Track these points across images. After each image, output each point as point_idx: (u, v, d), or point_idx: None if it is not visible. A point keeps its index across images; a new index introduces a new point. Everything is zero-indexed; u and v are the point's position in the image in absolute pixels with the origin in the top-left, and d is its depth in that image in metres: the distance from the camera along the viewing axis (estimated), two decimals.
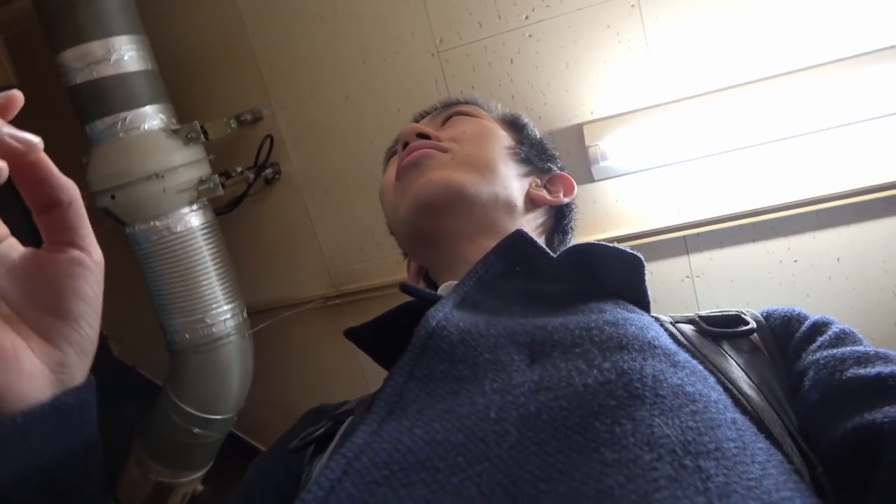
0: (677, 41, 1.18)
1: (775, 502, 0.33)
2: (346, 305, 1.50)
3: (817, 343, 0.51)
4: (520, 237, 0.56)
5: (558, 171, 0.75)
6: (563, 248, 0.74)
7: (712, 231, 1.25)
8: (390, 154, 0.77)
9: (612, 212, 1.30)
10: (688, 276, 1.31)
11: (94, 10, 1.15)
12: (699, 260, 1.29)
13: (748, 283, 1.28)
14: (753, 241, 1.25)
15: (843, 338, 0.51)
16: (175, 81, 1.34)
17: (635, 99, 1.22)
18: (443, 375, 0.41)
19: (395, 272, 1.40)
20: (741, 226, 1.23)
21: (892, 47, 1.09)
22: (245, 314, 1.38)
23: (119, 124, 1.19)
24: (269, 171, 1.42)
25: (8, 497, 0.35)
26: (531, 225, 0.68)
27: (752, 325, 0.54)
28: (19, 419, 0.34)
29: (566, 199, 0.72)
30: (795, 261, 1.25)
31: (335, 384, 1.58)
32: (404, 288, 0.54)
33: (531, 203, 0.69)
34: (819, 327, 0.53)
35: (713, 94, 1.17)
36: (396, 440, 0.35)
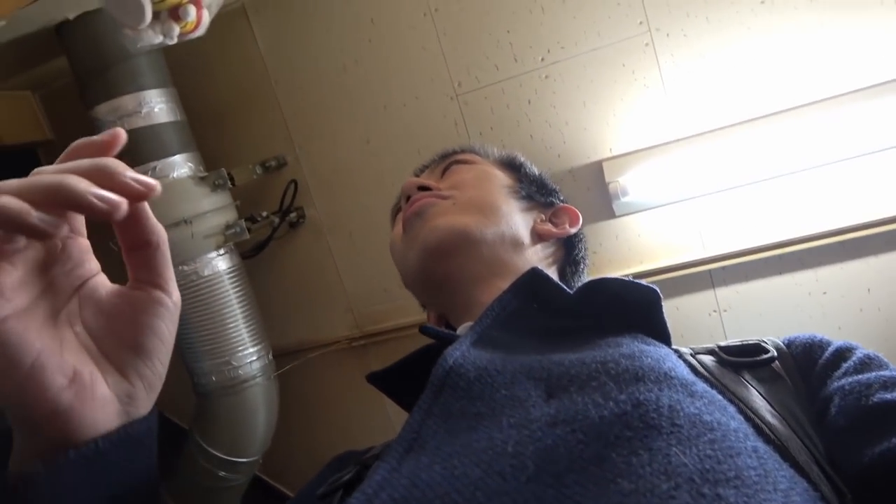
0: (693, 77, 1.19)
1: None
2: (371, 346, 1.50)
3: (842, 369, 0.51)
4: (535, 275, 0.56)
5: (561, 204, 0.76)
6: (578, 280, 0.75)
7: (738, 264, 1.23)
8: (395, 211, 0.79)
9: (634, 247, 1.30)
10: (715, 311, 1.29)
11: (126, 67, 1.20)
12: (725, 294, 1.28)
13: (777, 317, 1.26)
14: (780, 273, 1.24)
15: (867, 363, 0.50)
16: (202, 130, 1.38)
17: (654, 134, 1.23)
18: (461, 412, 0.41)
19: (419, 312, 1.40)
20: (767, 258, 1.22)
21: None
22: (270, 356, 1.39)
23: (149, 173, 1.22)
24: (293, 215, 1.45)
25: None
26: (541, 258, 0.69)
27: (773, 353, 0.53)
28: (100, 443, 0.36)
29: (573, 230, 0.73)
30: (825, 293, 1.23)
31: (360, 425, 1.58)
32: (424, 330, 0.55)
33: (538, 237, 0.70)
34: (843, 353, 0.53)
35: (732, 128, 1.18)
36: (415, 476, 0.35)
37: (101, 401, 0.37)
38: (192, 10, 0.84)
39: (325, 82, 1.40)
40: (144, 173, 1.22)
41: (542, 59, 1.26)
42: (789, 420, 0.46)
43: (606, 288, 0.54)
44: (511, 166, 0.77)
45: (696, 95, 1.20)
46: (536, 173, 0.78)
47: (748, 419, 0.43)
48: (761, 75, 1.16)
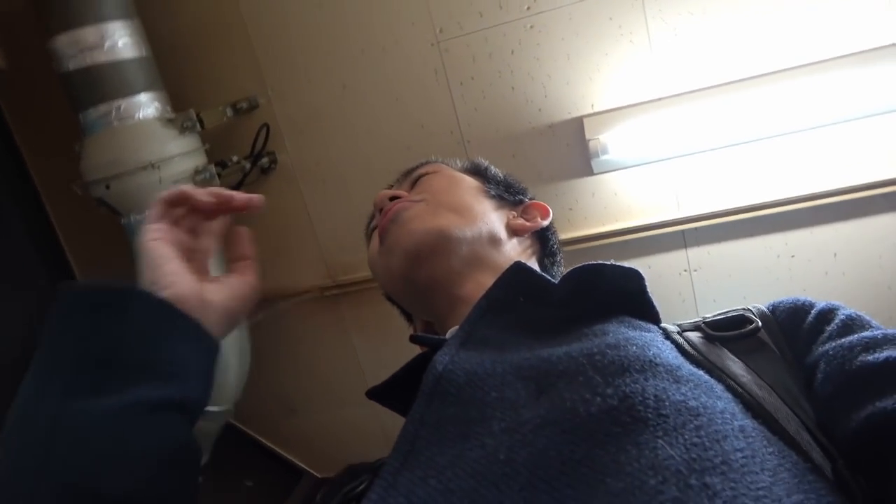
0: (680, 36, 1.17)
1: None
2: (343, 296, 1.49)
3: (826, 333, 0.51)
4: (519, 268, 0.57)
5: (529, 201, 0.77)
6: (557, 270, 0.77)
7: (711, 225, 1.25)
8: (371, 228, 0.78)
9: (610, 205, 1.30)
10: (685, 270, 1.31)
11: None
12: (697, 254, 1.29)
13: (746, 278, 1.28)
14: (752, 235, 1.26)
15: (850, 325, 0.51)
16: (170, 68, 1.31)
17: (636, 93, 1.21)
18: (453, 419, 0.42)
19: None
20: (740, 221, 1.23)
21: (891, 45, 1.09)
22: None
23: (113, 113, 1.17)
24: (265, 160, 1.41)
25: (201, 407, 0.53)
26: (519, 252, 0.70)
27: (757, 322, 0.53)
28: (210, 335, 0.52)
29: (545, 223, 0.74)
30: (793, 256, 1.25)
31: (332, 375, 1.58)
32: (413, 339, 0.56)
33: (513, 233, 0.70)
34: (826, 315, 0.53)
35: (714, 89, 1.17)
36: (410, 492, 0.36)
37: (205, 304, 0.52)
38: None
39: (301, 20, 1.33)
40: (108, 112, 1.18)
41: (528, 8, 1.22)
42: (778, 390, 0.47)
43: (590, 275, 0.55)
44: (476, 171, 0.78)
45: (682, 54, 1.18)
46: (502, 175, 0.79)
47: (737, 395, 0.44)
48: (748, 38, 1.15)
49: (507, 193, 0.75)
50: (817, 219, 1.22)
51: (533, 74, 1.26)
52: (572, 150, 1.27)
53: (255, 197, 0.57)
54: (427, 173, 0.75)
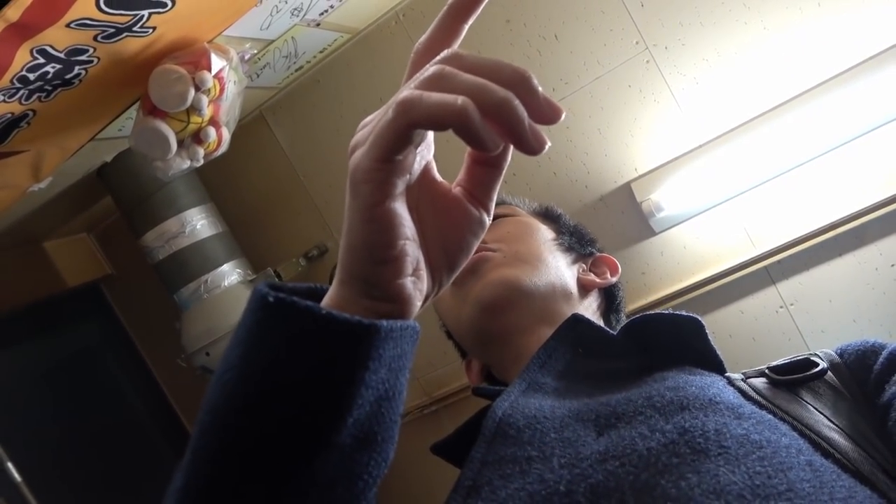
0: (701, 83, 1.19)
1: None
2: (442, 410, 1.50)
3: None
4: (577, 320, 0.58)
5: (599, 254, 0.77)
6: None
7: (793, 255, 1.20)
8: None
9: (682, 260, 1.27)
10: (781, 307, 1.25)
11: (165, 194, 1.28)
12: (788, 287, 1.23)
13: (849, 300, 1.20)
14: (840, 255, 1.19)
15: None
16: (244, 236, 1.45)
17: (676, 146, 1.23)
18: (513, 458, 0.42)
19: None
20: (822, 242, 1.18)
21: None
22: None
23: (202, 287, 1.29)
24: None
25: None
26: (589, 310, 0.70)
27: (823, 365, 0.52)
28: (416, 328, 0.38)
29: (614, 279, 0.74)
30: (893, 265, 1.17)
31: (442, 495, 1.55)
32: (476, 392, 0.57)
33: (583, 289, 0.71)
34: None
35: (752, 122, 1.17)
36: None
37: (420, 297, 0.37)
38: (211, 131, 0.90)
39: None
40: (197, 288, 1.29)
41: None
42: (850, 432, 0.46)
43: (647, 325, 0.55)
44: (549, 217, 0.79)
45: (709, 99, 1.19)
46: (574, 224, 0.79)
47: (804, 435, 0.43)
48: (769, 65, 1.15)
49: (579, 245, 0.75)
50: None
51: (570, 156, 1.30)
52: (627, 216, 1.28)
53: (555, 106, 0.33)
54: (502, 216, 0.75)
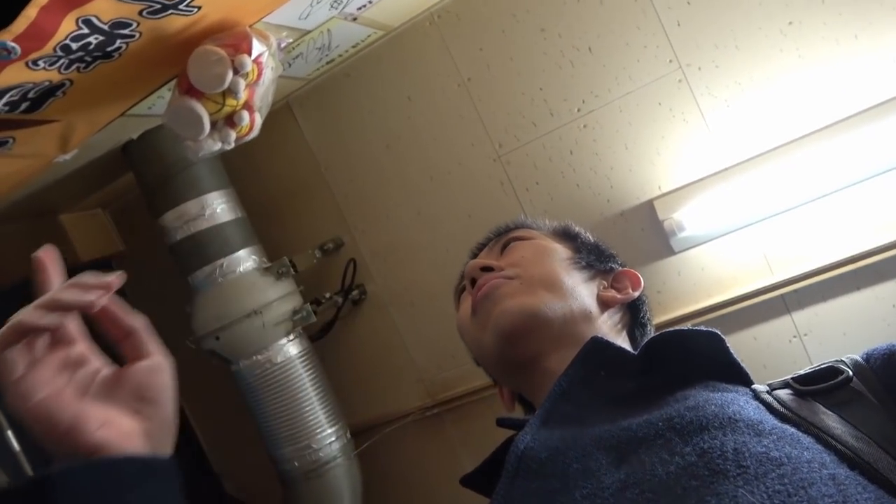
0: (732, 105, 1.19)
1: None
2: (445, 413, 1.50)
3: None
4: (595, 343, 0.58)
5: (620, 269, 0.76)
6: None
7: (811, 285, 1.19)
8: (459, 290, 0.80)
9: (699, 282, 1.27)
10: (794, 336, 1.24)
11: (188, 175, 1.29)
12: (804, 317, 1.23)
13: (863, 334, 1.20)
14: (858, 288, 1.19)
15: None
16: (262, 223, 1.45)
17: (701, 166, 1.22)
18: (536, 491, 0.43)
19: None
20: (841, 275, 1.17)
21: None
22: (348, 435, 1.39)
23: (217, 271, 1.28)
24: (355, 292, 1.49)
25: None
26: (610, 326, 0.69)
27: (848, 373, 0.51)
28: (164, 460, 0.45)
29: (636, 294, 0.73)
30: None
31: (443, 493, 1.55)
32: (500, 423, 0.58)
33: (604, 305, 0.70)
34: None
35: (781, 148, 1.16)
36: None
37: (127, 433, 0.44)
38: (245, 115, 0.90)
39: (372, 162, 1.46)
40: (213, 271, 1.29)
41: (578, 110, 1.28)
42: (878, 439, 0.45)
43: (668, 342, 0.55)
44: (567, 236, 0.78)
45: (739, 122, 1.19)
46: (592, 240, 0.79)
47: (829, 447, 0.43)
48: (801, 93, 1.15)
49: (598, 261, 0.74)
50: None
51: (595, 169, 1.30)
52: (647, 233, 1.27)
53: (108, 280, 0.46)
54: (518, 238, 0.75)
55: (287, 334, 1.31)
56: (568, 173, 1.32)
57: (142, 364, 0.48)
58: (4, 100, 0.79)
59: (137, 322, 0.49)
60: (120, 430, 0.44)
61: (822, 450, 0.42)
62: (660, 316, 1.29)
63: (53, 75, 0.79)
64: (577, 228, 0.80)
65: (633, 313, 0.75)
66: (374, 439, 1.48)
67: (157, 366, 0.48)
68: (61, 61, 0.76)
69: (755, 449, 0.39)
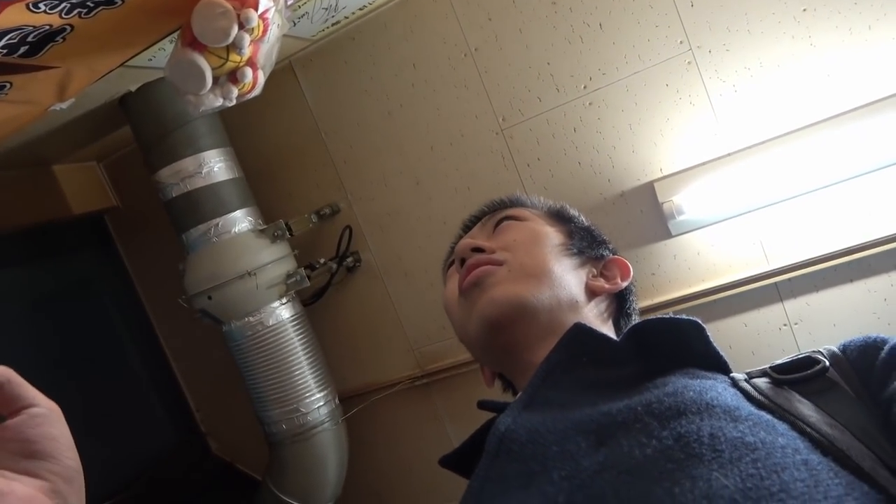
0: (739, 90, 1.18)
1: None
2: (433, 384, 1.50)
3: None
4: (578, 330, 0.58)
5: (611, 256, 0.76)
6: None
7: (805, 275, 1.20)
8: (448, 265, 0.79)
9: (694, 266, 1.27)
10: (785, 325, 1.25)
11: (186, 132, 1.27)
12: (795, 306, 1.24)
13: (853, 326, 1.21)
14: (851, 281, 1.20)
15: None
16: (259, 185, 1.43)
17: (704, 151, 1.22)
18: (516, 474, 0.44)
19: None
20: (835, 266, 1.18)
21: None
22: (337, 401, 1.40)
23: (212, 230, 1.27)
24: (349, 259, 1.48)
25: None
26: (596, 315, 0.69)
27: (824, 363, 0.52)
28: None
29: (624, 284, 0.72)
30: None
31: (428, 464, 1.56)
32: (481, 405, 0.58)
33: (591, 294, 0.69)
34: None
35: (784, 137, 1.16)
36: None
37: (27, 499, 0.39)
38: (248, 72, 0.88)
39: (373, 129, 1.44)
40: (207, 230, 1.28)
41: (585, 87, 1.27)
42: (851, 427, 0.46)
43: (649, 330, 0.55)
44: (561, 219, 0.78)
45: (745, 108, 1.18)
46: (586, 224, 0.78)
47: (804, 434, 0.44)
48: (810, 82, 1.14)
49: (590, 248, 0.74)
50: None
51: (598, 147, 1.29)
52: (646, 215, 1.27)
53: None
54: (512, 217, 0.75)
55: (280, 297, 1.30)
56: (570, 150, 1.31)
57: (20, 418, 0.42)
58: (3, 42, 0.77)
59: (3, 374, 0.43)
60: (17, 498, 0.39)
61: (796, 436, 0.43)
62: (652, 298, 1.29)
63: (54, 19, 0.77)
64: (571, 211, 0.79)
65: (620, 303, 0.74)
66: (363, 406, 1.49)
67: (40, 415, 0.42)
68: (63, 5, 0.74)
69: (731, 434, 0.40)
